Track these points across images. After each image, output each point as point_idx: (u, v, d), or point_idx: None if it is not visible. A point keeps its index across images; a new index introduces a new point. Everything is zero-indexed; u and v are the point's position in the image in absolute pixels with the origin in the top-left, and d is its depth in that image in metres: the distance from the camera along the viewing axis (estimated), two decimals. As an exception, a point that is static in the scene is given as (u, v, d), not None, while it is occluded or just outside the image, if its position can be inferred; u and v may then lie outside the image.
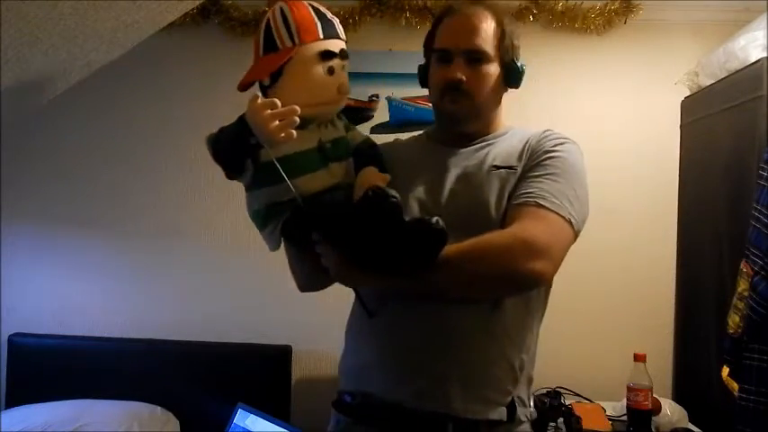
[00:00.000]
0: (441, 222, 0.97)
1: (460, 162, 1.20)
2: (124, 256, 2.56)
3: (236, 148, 1.04)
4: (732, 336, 1.66)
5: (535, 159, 1.17)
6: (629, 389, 1.99)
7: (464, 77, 1.17)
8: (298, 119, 0.98)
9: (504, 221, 1.12)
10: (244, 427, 2.20)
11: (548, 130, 1.22)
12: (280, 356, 2.41)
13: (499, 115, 1.27)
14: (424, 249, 0.99)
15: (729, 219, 1.99)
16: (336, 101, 1.11)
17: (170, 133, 2.56)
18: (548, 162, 1.15)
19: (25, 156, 2.57)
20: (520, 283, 1.10)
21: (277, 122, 0.97)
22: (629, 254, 2.40)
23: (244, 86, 1.14)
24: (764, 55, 1.84)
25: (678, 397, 2.30)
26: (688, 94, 2.37)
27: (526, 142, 1.20)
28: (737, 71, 1.99)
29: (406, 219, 0.99)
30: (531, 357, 1.20)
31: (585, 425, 1.96)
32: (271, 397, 2.35)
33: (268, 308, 2.51)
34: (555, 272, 1.10)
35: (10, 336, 2.49)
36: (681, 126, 2.40)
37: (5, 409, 2.34)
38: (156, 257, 2.56)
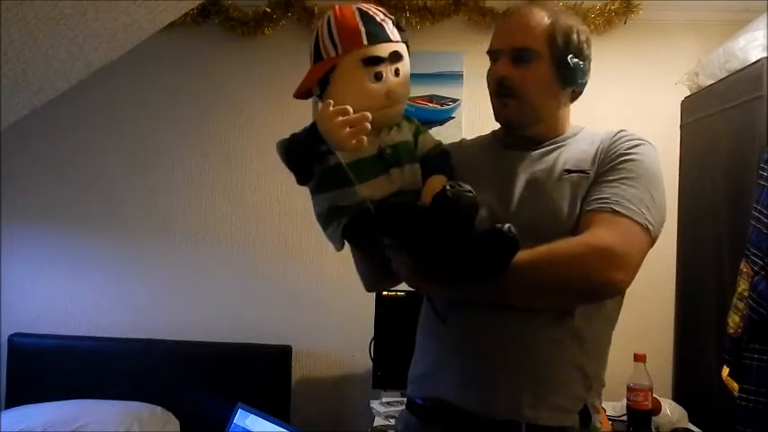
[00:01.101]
0: (513, 230, 0.95)
1: (529, 167, 1.16)
2: (124, 255, 2.56)
3: (307, 155, 1.04)
4: (732, 336, 1.66)
5: (609, 163, 1.11)
6: (629, 389, 1.98)
7: (506, 74, 1.13)
8: (369, 125, 0.98)
9: (576, 228, 1.08)
10: (244, 427, 2.20)
11: (622, 131, 1.16)
12: (280, 356, 2.41)
13: (565, 117, 1.22)
14: (495, 257, 0.97)
15: (729, 219, 1.99)
16: (387, 106, 1.07)
17: (170, 133, 2.56)
18: (623, 166, 1.10)
19: (25, 155, 2.57)
20: (595, 294, 1.07)
21: (348, 129, 0.97)
22: (629, 254, 2.40)
23: (298, 95, 1.14)
24: (764, 55, 1.84)
25: (678, 397, 2.30)
26: (688, 94, 2.37)
27: (599, 144, 1.15)
28: (737, 71, 1.99)
29: (478, 228, 0.97)
30: (604, 363, 1.17)
31: (585, 425, 1.96)
32: (271, 397, 2.35)
33: (268, 308, 2.51)
34: (631, 280, 1.05)
35: (10, 336, 2.49)
36: (681, 126, 2.40)
37: (5, 409, 2.34)
38: (157, 257, 2.56)
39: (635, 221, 1.05)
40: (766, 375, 1.55)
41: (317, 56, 1.09)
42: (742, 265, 1.65)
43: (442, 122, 2.41)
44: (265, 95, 2.50)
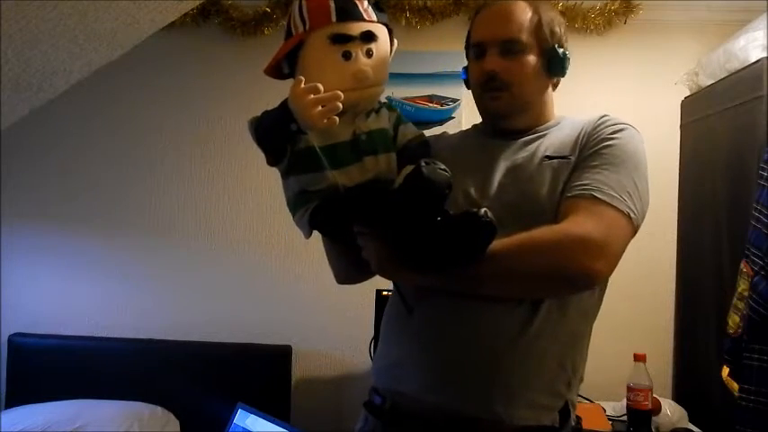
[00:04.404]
0: (489, 214, 0.92)
1: (510, 155, 1.13)
2: (124, 255, 2.56)
3: (276, 134, 1.00)
4: (732, 336, 1.66)
5: (591, 148, 1.08)
6: (629, 389, 1.98)
7: (496, 68, 1.12)
8: (341, 104, 0.94)
9: (557, 214, 1.04)
10: (244, 427, 2.20)
11: (605, 116, 1.13)
12: (280, 356, 2.41)
13: (548, 106, 1.21)
14: (471, 243, 0.94)
15: (729, 219, 1.99)
16: (357, 88, 1.02)
17: (170, 133, 2.56)
18: (605, 151, 1.06)
19: (25, 155, 2.57)
20: (571, 283, 1.02)
21: (320, 108, 0.93)
22: (629, 254, 2.38)
23: (268, 72, 1.11)
24: (764, 55, 1.84)
25: (678, 397, 2.30)
26: (688, 94, 2.37)
27: (581, 130, 1.12)
28: (737, 71, 1.99)
29: (453, 212, 0.94)
30: (584, 358, 1.13)
31: (585, 425, 1.95)
32: (271, 397, 2.35)
33: (268, 308, 2.51)
34: (611, 270, 1.02)
35: (10, 336, 2.49)
36: (681, 126, 2.40)
37: (5, 409, 2.34)
38: (157, 257, 2.56)
39: (616, 209, 1.01)
40: (766, 375, 1.55)
41: (288, 32, 1.06)
42: (742, 265, 1.65)
43: (441, 122, 2.41)
44: (265, 95, 2.50)
